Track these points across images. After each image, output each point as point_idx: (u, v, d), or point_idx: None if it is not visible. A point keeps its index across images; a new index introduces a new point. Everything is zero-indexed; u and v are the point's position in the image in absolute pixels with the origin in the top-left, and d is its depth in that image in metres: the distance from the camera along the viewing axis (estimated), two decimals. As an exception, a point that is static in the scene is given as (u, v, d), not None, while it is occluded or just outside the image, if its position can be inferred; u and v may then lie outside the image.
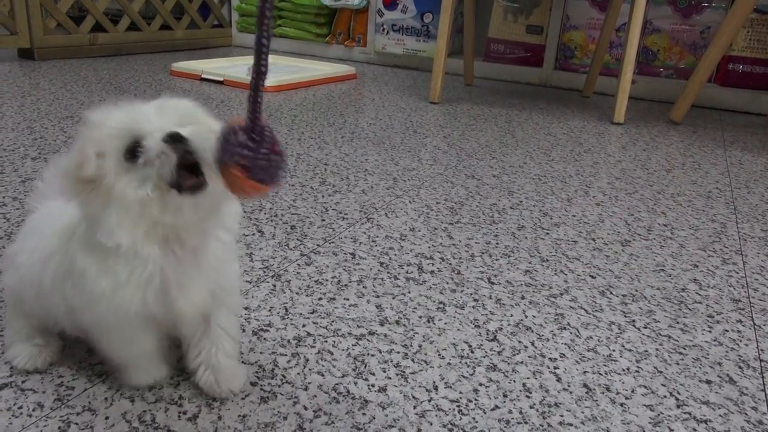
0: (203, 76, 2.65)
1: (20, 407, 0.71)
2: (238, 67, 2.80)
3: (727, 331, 0.94)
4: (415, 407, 0.74)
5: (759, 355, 0.88)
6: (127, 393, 0.74)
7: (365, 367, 0.80)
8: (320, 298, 0.97)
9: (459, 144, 1.89)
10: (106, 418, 0.70)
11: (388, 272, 1.06)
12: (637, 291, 1.05)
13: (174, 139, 0.57)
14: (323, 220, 1.27)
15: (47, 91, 2.27)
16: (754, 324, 0.96)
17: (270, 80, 2.51)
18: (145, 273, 0.61)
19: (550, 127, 2.17)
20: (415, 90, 2.73)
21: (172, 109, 0.61)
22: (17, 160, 1.52)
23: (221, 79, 2.60)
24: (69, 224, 0.67)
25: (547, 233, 1.26)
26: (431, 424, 0.71)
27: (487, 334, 0.90)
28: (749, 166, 1.83)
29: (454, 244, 1.19)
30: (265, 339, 0.85)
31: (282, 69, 2.90)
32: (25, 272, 0.73)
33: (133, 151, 0.58)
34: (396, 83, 2.89)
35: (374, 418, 0.72)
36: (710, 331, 0.93)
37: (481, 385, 0.79)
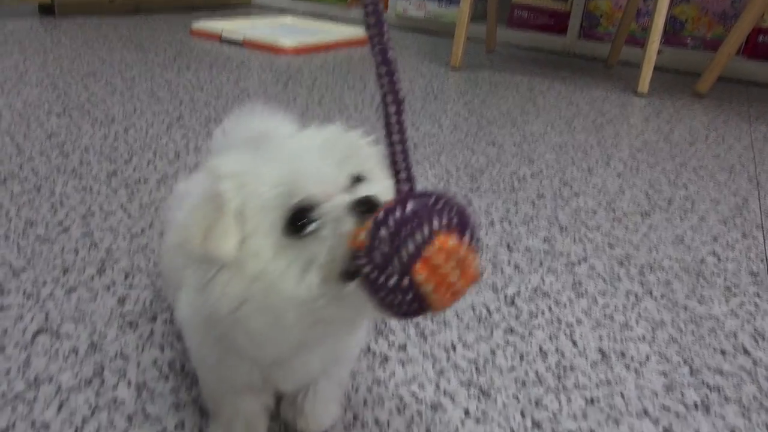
0: (223, 36, 2.64)
1: (56, 351, 0.74)
2: (258, 28, 2.78)
3: (743, 303, 0.95)
4: (433, 365, 0.76)
5: (774, 327, 0.89)
6: (157, 342, 0.77)
7: (386, 326, 0.83)
8: (341, 259, 0.99)
9: (480, 111, 1.88)
10: (138, 363, 0.73)
11: (408, 236, 1.08)
12: (655, 261, 1.05)
13: (367, 208, 0.39)
14: (344, 182, 1.28)
15: (69, 48, 2.28)
16: (771, 297, 0.97)
17: (289, 42, 2.49)
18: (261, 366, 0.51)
19: (572, 97, 2.14)
20: (436, 55, 2.70)
21: (339, 149, 0.44)
22: (42, 115, 1.54)
23: (241, 39, 2.58)
24: None
25: (567, 202, 1.27)
26: (449, 381, 0.74)
27: (505, 299, 0.91)
28: (774, 141, 1.80)
29: (474, 211, 1.20)
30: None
31: (301, 31, 2.87)
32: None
33: (296, 221, 0.40)
34: (416, 48, 2.86)
35: (394, 374, 0.74)
36: (727, 303, 0.94)
37: (498, 346, 0.81)
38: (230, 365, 0.51)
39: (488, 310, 0.88)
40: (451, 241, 0.35)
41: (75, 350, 0.75)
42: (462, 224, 0.36)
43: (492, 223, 1.15)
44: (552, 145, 1.61)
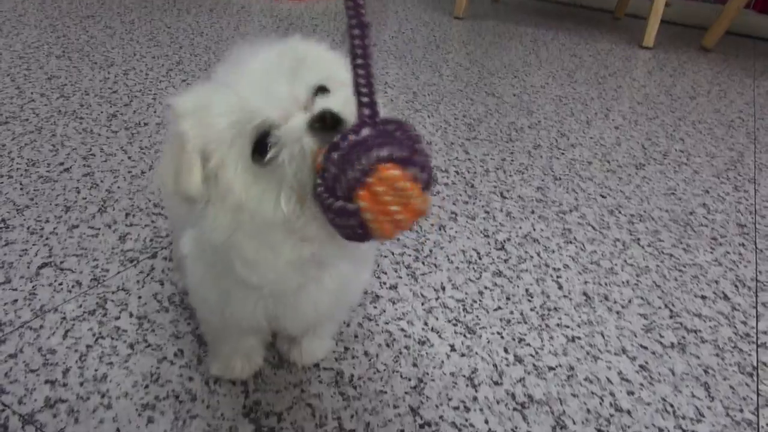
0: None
1: (60, 284, 0.77)
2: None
3: (728, 253, 0.97)
4: (423, 304, 0.79)
5: (756, 275, 0.92)
6: (157, 277, 0.80)
7: (377, 266, 0.85)
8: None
9: (481, 61, 1.87)
10: (139, 297, 0.76)
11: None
12: (645, 212, 1.07)
13: (325, 124, 0.39)
14: (342, 130, 1.29)
15: (67, -10, 2.24)
16: (756, 248, 0.99)
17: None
18: (266, 302, 0.51)
19: (576, 49, 2.11)
20: (440, 4, 2.65)
21: (295, 62, 0.43)
22: (42, 57, 1.53)
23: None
24: None
25: (563, 153, 1.28)
26: (437, 318, 0.77)
27: (496, 244, 0.94)
28: (777, 97, 1.79)
29: (469, 159, 1.21)
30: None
31: (304, -24, 2.80)
32: None
33: (261, 146, 0.40)
34: (420, -4, 2.80)
35: (384, 311, 0.77)
36: (712, 252, 0.97)
37: (486, 288, 0.84)
38: (236, 302, 0.51)
39: (478, 254, 0.91)
40: (394, 171, 0.35)
41: (78, 283, 0.78)
42: (411, 159, 0.36)
43: (487, 172, 1.16)
44: (552, 97, 1.61)
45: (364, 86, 0.38)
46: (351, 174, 0.35)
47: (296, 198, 0.40)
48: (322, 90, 0.42)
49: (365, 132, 0.37)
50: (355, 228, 0.37)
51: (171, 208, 0.65)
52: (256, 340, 0.64)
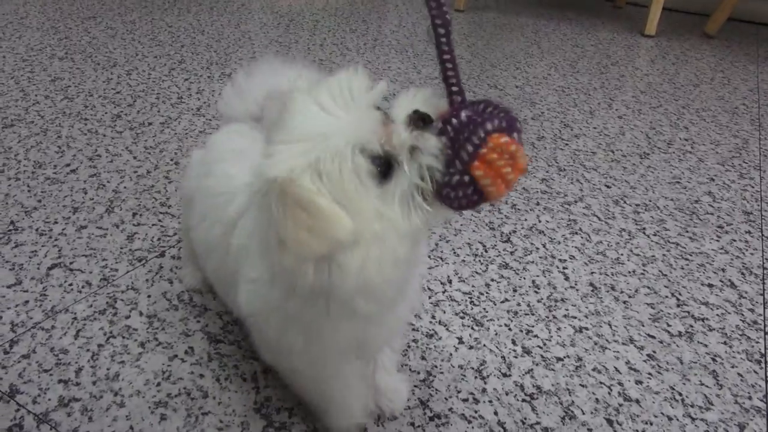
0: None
1: (71, 284, 0.78)
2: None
3: (734, 240, 0.97)
4: (430, 297, 0.80)
5: (763, 263, 0.92)
6: (166, 276, 0.81)
7: (384, 261, 0.86)
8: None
9: (483, 53, 1.86)
10: (149, 296, 0.77)
11: (408, 176, 1.10)
12: (650, 201, 1.07)
13: (424, 122, 0.42)
14: (345, 125, 1.29)
15: (67, -9, 2.24)
16: (763, 235, 0.99)
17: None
18: (357, 324, 0.49)
19: (578, 39, 2.11)
20: (441, -3, 2.64)
21: (359, 91, 0.43)
22: (45, 59, 1.54)
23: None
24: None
25: (567, 144, 1.28)
26: (444, 312, 0.77)
27: (501, 236, 0.94)
28: (781, 83, 1.78)
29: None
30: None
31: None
32: (197, 221, 0.64)
33: (380, 165, 0.41)
34: (421, -11, 2.79)
35: (392, 305, 0.78)
36: (718, 240, 0.97)
37: (492, 280, 0.84)
38: (326, 337, 0.49)
39: (484, 247, 0.91)
40: (503, 139, 0.40)
41: (88, 283, 0.78)
42: (509, 125, 0.41)
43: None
44: (554, 88, 1.61)
45: (452, 77, 0.43)
46: (468, 149, 0.40)
47: (423, 198, 0.42)
48: (380, 108, 0.43)
49: (465, 113, 0.41)
50: (471, 196, 0.41)
51: (218, 265, 0.59)
52: (359, 373, 0.59)
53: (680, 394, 0.67)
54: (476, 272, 0.85)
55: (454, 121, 0.41)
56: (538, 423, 0.63)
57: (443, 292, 0.81)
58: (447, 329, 0.74)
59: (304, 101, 0.42)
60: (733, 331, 0.77)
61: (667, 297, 0.83)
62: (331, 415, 0.58)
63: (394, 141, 0.41)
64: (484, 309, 0.78)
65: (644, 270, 0.88)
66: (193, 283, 0.77)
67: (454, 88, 0.43)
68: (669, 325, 0.78)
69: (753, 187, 1.15)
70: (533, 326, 0.76)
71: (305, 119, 0.41)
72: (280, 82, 0.62)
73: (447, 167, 0.41)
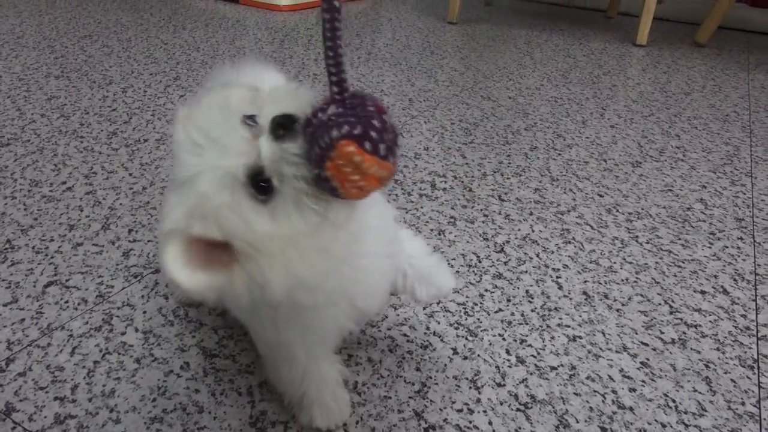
0: (218, -6, 2.61)
1: (66, 302, 0.78)
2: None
3: (726, 247, 0.98)
4: (424, 308, 0.80)
5: (755, 269, 0.92)
6: (161, 291, 0.81)
7: (379, 273, 0.86)
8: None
9: (476, 65, 1.88)
10: (144, 312, 0.77)
11: (401, 189, 1.11)
12: (643, 209, 1.08)
13: (284, 127, 0.41)
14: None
15: (64, 10, 2.27)
16: (755, 241, 1.00)
17: (286, -1, 2.46)
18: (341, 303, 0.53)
19: (570, 49, 2.13)
20: (433, 9, 2.67)
21: (230, 110, 0.43)
22: (41, 78, 1.55)
23: (236, -3, 2.56)
24: None
25: (559, 154, 1.29)
26: (438, 323, 0.78)
27: (495, 246, 0.95)
28: (771, 89, 1.80)
29: (467, 163, 1.22)
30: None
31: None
32: None
33: (259, 182, 0.41)
34: (413, 2, 2.82)
35: (386, 317, 0.78)
36: (710, 247, 0.97)
37: (486, 290, 0.84)
38: (321, 322, 0.52)
39: (478, 258, 0.92)
40: (348, 148, 0.39)
41: (84, 300, 0.79)
42: (363, 133, 0.39)
43: (484, 176, 1.17)
44: (547, 98, 1.62)
45: (333, 66, 0.41)
46: (317, 150, 0.40)
47: (315, 203, 0.42)
48: (250, 117, 0.43)
49: (332, 110, 0.40)
50: (332, 190, 0.41)
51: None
52: (336, 371, 0.62)
53: (674, 401, 0.68)
54: (470, 283, 0.86)
55: (320, 115, 0.40)
56: (532, 432, 0.63)
57: (437, 303, 0.81)
58: (441, 340, 0.75)
59: (182, 138, 0.42)
60: (725, 337, 0.78)
61: (660, 304, 0.83)
62: (315, 414, 0.61)
63: (263, 156, 0.41)
64: (478, 319, 0.79)
65: (637, 278, 0.89)
66: (184, 297, 0.78)
67: (333, 78, 0.41)
68: (662, 333, 0.78)
69: (744, 193, 1.16)
70: (527, 336, 0.76)
71: (181, 162, 0.42)
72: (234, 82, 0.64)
73: (308, 160, 0.41)
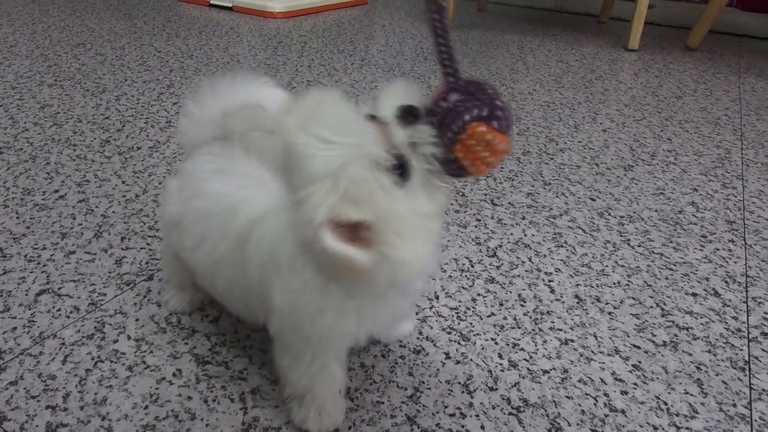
0: (212, 2, 2.62)
1: (59, 310, 0.78)
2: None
3: (718, 249, 0.98)
4: (417, 313, 0.80)
5: (746, 271, 0.93)
6: (154, 299, 0.81)
7: (372, 278, 0.86)
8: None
9: (469, 71, 1.89)
10: (137, 319, 0.77)
11: (395, 194, 1.11)
12: (635, 213, 1.09)
13: (412, 115, 0.47)
14: (333, 145, 1.31)
15: (57, 18, 2.27)
16: (746, 243, 1.00)
17: (279, 6, 2.47)
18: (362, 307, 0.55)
19: (563, 54, 2.14)
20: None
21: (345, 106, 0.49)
22: (34, 87, 1.55)
23: (230, 5, 2.57)
24: (270, 224, 0.57)
25: (552, 158, 1.29)
26: (431, 327, 0.78)
27: (488, 251, 0.95)
28: (762, 93, 1.81)
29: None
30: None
31: (291, -6, 2.84)
32: (190, 254, 0.66)
33: (395, 168, 0.46)
34: (407, 9, 2.83)
35: (379, 322, 0.78)
36: (702, 250, 0.98)
37: (479, 295, 0.85)
38: (378, 308, 0.55)
39: (470, 262, 0.92)
40: (480, 128, 0.45)
41: (76, 308, 0.79)
42: (489, 113, 0.45)
43: (477, 180, 1.18)
44: (540, 103, 1.63)
45: (447, 59, 0.47)
46: (449, 135, 0.45)
47: (437, 178, 0.48)
48: (371, 116, 0.48)
49: (454, 97, 0.46)
50: (457, 169, 0.47)
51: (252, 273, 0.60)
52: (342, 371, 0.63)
53: (665, 404, 0.68)
54: (463, 287, 0.86)
55: (443, 104, 0.46)
56: (524, 436, 0.63)
57: (430, 308, 0.81)
58: (434, 345, 0.75)
59: (307, 142, 0.45)
60: (717, 340, 0.78)
61: (651, 307, 0.84)
62: (310, 416, 0.61)
63: (395, 142, 0.46)
64: (471, 324, 0.79)
65: (629, 281, 0.89)
66: (180, 306, 0.78)
67: (448, 69, 0.47)
68: (654, 335, 0.78)
69: (735, 196, 1.16)
70: (519, 339, 0.77)
71: (316, 159, 0.45)
72: (231, 99, 0.66)
73: (437, 144, 0.47)
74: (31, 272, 0.85)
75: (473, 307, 0.82)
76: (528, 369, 0.72)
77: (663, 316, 0.82)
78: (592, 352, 0.75)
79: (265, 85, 0.68)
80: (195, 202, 0.64)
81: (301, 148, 0.45)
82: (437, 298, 0.83)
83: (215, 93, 0.67)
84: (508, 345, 0.76)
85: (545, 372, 0.72)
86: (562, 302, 0.84)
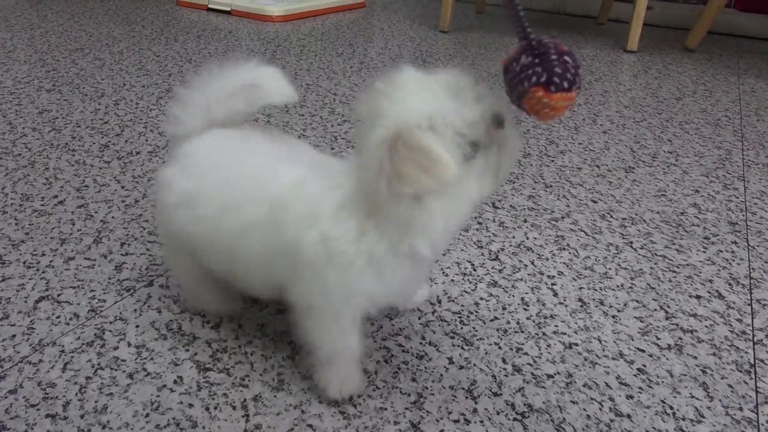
0: (210, 5, 2.62)
1: (58, 317, 0.78)
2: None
3: (721, 251, 0.98)
4: (419, 318, 0.80)
5: (749, 273, 0.92)
6: (154, 305, 0.80)
7: (373, 283, 0.86)
8: (331, 222, 1.01)
9: (468, 73, 1.88)
10: (137, 326, 0.77)
11: (395, 197, 1.10)
12: (636, 215, 1.08)
13: (499, 120, 0.54)
14: (332, 148, 1.30)
15: (55, 24, 2.27)
16: (749, 245, 1.00)
17: (277, 9, 2.47)
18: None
19: (562, 56, 2.14)
20: (425, 18, 2.68)
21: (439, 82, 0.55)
22: (33, 92, 1.55)
23: (228, 8, 2.56)
24: (296, 199, 0.60)
25: (552, 160, 1.29)
26: (434, 332, 0.77)
27: (490, 254, 0.94)
28: (762, 93, 1.81)
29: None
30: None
31: (290, -2, 2.84)
32: (209, 227, 0.65)
33: (470, 147, 0.52)
34: (405, 11, 2.83)
35: (382, 327, 0.78)
36: (705, 252, 0.97)
37: (482, 299, 0.84)
38: (398, 271, 0.59)
39: (473, 266, 0.91)
40: (539, 93, 0.52)
41: (76, 315, 0.78)
42: (548, 80, 0.52)
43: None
44: (540, 105, 1.62)
45: (520, 30, 0.55)
46: (516, 95, 0.54)
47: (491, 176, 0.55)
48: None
49: (523, 60, 0.53)
50: (527, 115, 0.55)
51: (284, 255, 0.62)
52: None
53: (671, 408, 0.67)
54: (465, 291, 0.85)
55: (514, 65, 0.54)
56: (530, 442, 0.63)
57: (432, 313, 0.81)
58: (437, 350, 0.74)
59: (418, 87, 0.53)
60: (722, 342, 0.78)
61: (655, 310, 0.83)
62: (329, 380, 0.65)
63: (488, 135, 0.53)
64: (474, 328, 0.78)
65: (632, 284, 0.89)
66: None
67: (521, 34, 0.55)
68: (658, 338, 0.78)
69: (737, 197, 1.16)
70: (523, 344, 0.76)
71: (420, 99, 0.52)
72: (225, 84, 0.70)
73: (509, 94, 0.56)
74: (30, 279, 0.85)
75: (476, 311, 0.81)
76: (532, 374, 0.71)
77: (667, 318, 0.82)
78: (597, 356, 0.75)
79: (259, 66, 0.71)
80: (215, 175, 0.65)
81: (407, 88, 0.53)
82: (440, 302, 0.83)
83: (207, 80, 0.69)
84: (511, 349, 0.75)
85: (549, 376, 0.71)
86: (566, 306, 0.83)
